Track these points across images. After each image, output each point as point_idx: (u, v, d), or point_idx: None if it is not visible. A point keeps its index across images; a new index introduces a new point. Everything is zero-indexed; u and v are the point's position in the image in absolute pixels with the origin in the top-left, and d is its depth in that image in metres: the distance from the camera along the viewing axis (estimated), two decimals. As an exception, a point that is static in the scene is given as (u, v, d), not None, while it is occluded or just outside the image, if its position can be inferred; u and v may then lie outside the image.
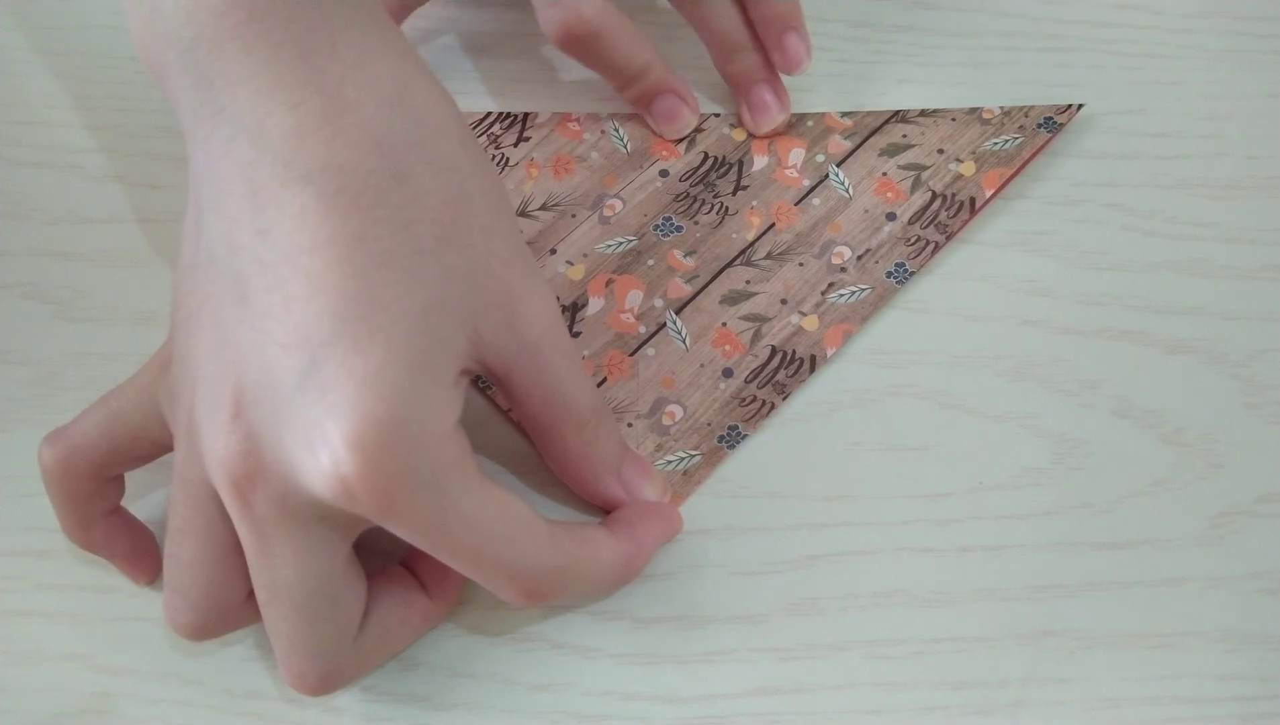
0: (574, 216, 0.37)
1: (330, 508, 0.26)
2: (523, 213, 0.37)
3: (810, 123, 0.39)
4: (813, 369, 0.35)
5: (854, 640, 0.32)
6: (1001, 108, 0.40)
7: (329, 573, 0.27)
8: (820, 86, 0.40)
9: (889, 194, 0.38)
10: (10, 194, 0.37)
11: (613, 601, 0.32)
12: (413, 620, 0.30)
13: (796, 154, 0.38)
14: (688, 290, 0.36)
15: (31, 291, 0.35)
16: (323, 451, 0.24)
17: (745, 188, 0.38)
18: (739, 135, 0.39)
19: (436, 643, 0.32)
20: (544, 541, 0.28)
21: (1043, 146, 0.39)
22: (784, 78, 0.39)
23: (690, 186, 0.38)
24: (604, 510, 0.33)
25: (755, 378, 0.35)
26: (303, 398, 0.25)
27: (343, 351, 0.25)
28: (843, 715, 0.31)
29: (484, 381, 0.34)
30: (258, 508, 0.26)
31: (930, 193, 0.38)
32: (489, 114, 0.38)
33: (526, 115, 0.39)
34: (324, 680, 0.28)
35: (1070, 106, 0.39)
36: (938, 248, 0.37)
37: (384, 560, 0.31)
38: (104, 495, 0.30)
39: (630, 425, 0.34)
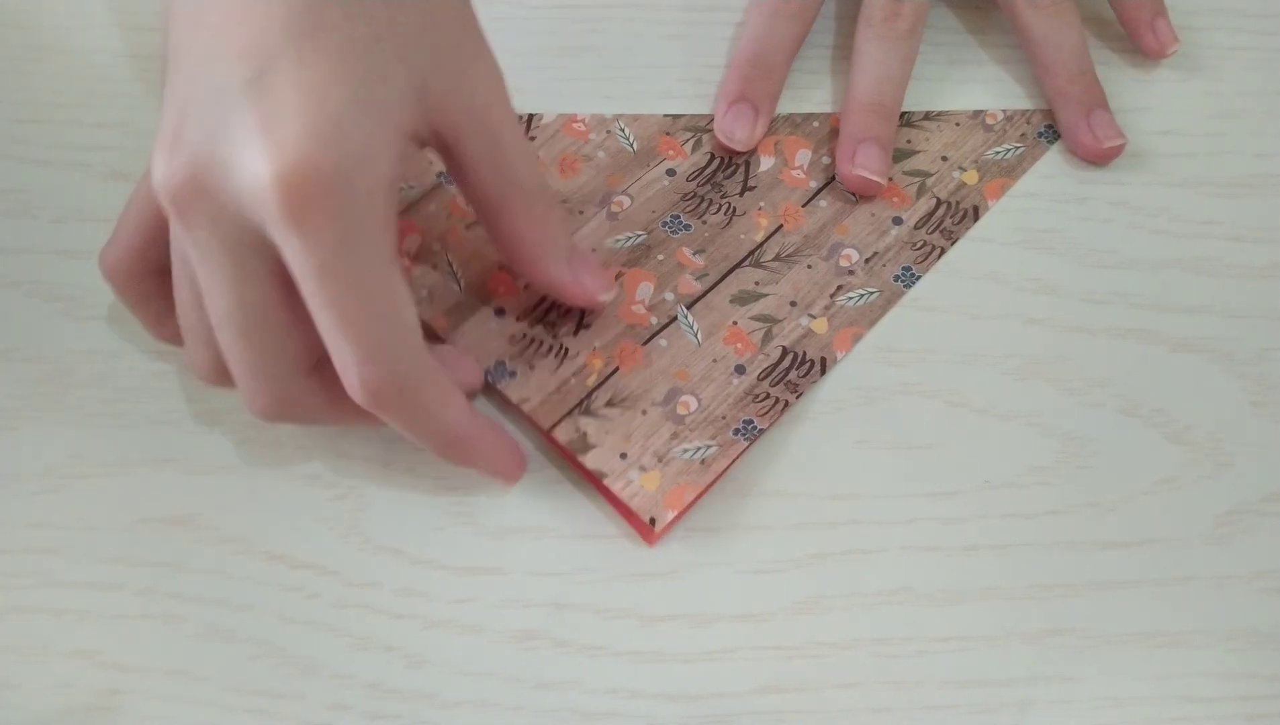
0: (581, 213, 0.37)
1: (257, 232, 0.26)
2: None
3: (816, 124, 0.39)
4: (823, 371, 0.35)
5: (860, 639, 0.32)
6: (1004, 111, 0.40)
7: (264, 302, 0.28)
8: (826, 86, 0.40)
9: (894, 199, 0.38)
10: (17, 192, 0.37)
11: (617, 599, 0.32)
12: None
13: (803, 155, 0.38)
14: (698, 287, 0.36)
15: (38, 289, 0.35)
16: (257, 152, 0.25)
17: (753, 189, 0.38)
18: None
19: (441, 640, 0.32)
20: (411, 347, 0.28)
21: (1042, 154, 0.39)
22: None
23: (697, 187, 0.38)
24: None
25: (768, 376, 0.35)
26: (246, 100, 0.25)
27: (291, 61, 0.26)
28: (849, 714, 0.31)
29: (491, 376, 0.34)
30: (198, 230, 0.27)
31: (935, 200, 0.38)
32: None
33: (531, 116, 0.39)
34: (273, 406, 0.29)
35: None
36: (943, 252, 0.37)
37: None
38: (168, 290, 0.31)
39: (645, 412, 0.34)
